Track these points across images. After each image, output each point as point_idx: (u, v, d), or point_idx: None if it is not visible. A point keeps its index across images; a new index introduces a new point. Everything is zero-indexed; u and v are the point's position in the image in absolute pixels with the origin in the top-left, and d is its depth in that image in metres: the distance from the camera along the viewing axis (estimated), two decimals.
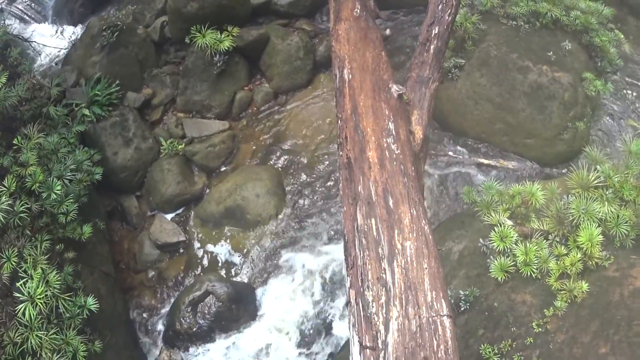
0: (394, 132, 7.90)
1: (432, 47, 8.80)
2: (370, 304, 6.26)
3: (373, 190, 7.28)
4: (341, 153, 7.97)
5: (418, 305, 6.09)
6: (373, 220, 6.93)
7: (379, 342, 5.98)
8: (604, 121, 11.83)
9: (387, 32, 9.97)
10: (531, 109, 10.93)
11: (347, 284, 6.80)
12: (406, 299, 6.14)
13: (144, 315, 10.71)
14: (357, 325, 6.29)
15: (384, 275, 6.41)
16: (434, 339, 5.84)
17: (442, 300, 6.14)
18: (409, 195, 7.17)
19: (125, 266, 11.10)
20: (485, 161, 11.13)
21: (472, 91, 11.14)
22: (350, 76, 8.67)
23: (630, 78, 12.52)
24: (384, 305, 6.22)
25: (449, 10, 8.99)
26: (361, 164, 7.61)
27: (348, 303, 6.64)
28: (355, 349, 6.17)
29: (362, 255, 6.70)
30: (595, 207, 8.40)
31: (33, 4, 14.27)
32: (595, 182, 8.78)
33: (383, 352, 5.86)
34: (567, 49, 11.36)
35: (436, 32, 8.86)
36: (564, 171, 10.94)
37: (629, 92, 12.32)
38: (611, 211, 8.40)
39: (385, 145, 7.72)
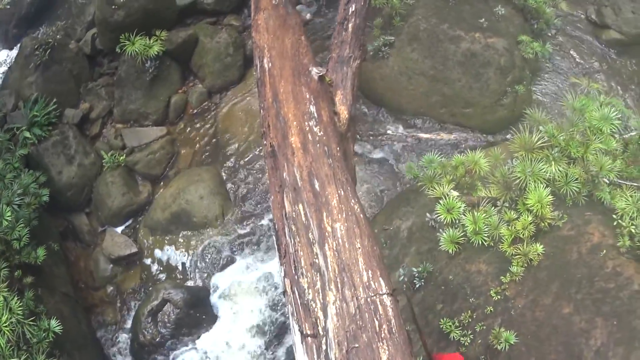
0: (315, 115, 7.75)
1: (350, 25, 8.66)
2: (307, 291, 6.15)
3: (298, 175, 7.14)
4: (265, 142, 7.82)
5: (354, 287, 5.92)
6: (300, 205, 6.80)
7: (319, 328, 5.86)
8: (545, 82, 11.78)
9: (308, 16, 9.83)
10: (467, 77, 10.84)
11: (282, 274, 6.66)
12: (342, 282, 5.99)
13: (109, 330, 10.64)
14: (295, 314, 6.16)
15: (316, 260, 6.29)
16: (375, 319, 5.66)
17: (380, 278, 5.96)
18: (335, 177, 7.00)
19: (84, 285, 10.96)
20: (425, 135, 11.05)
21: (404, 67, 11.02)
22: (270, 64, 8.51)
23: (570, 35, 12.47)
24: (319, 291, 6.10)
25: None
26: (284, 150, 7.48)
27: (284, 292, 6.50)
28: (297, 338, 6.05)
29: (293, 242, 6.58)
30: (541, 168, 8.32)
31: None
32: (539, 143, 8.68)
33: (324, 338, 5.74)
34: (500, 14, 11.28)
35: (353, 9, 8.71)
36: (507, 137, 10.80)
37: (569, 50, 12.27)
38: (559, 170, 8.33)
39: (307, 129, 7.58)
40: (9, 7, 11.15)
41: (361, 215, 6.60)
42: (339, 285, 5.96)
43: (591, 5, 12.89)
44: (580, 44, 12.37)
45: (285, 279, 6.47)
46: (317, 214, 6.60)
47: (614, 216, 7.83)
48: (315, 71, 8.19)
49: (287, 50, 8.67)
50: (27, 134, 11.09)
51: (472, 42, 10.86)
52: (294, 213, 6.79)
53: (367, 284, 5.92)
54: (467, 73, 10.82)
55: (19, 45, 13.07)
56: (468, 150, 10.01)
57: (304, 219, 6.65)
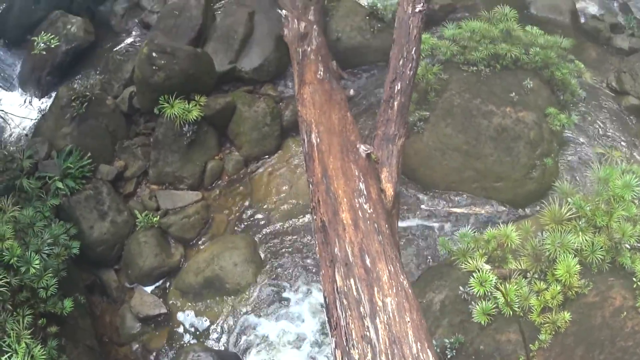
0: (365, 192, 8.32)
1: (395, 103, 9.26)
2: None
3: (350, 251, 7.63)
4: (315, 217, 8.36)
5: (404, 358, 6.40)
6: (352, 280, 7.27)
7: None
8: (571, 153, 12.31)
9: (351, 92, 10.50)
10: (498, 152, 11.33)
11: (333, 345, 7.08)
12: (392, 354, 6.46)
13: None
14: None
15: (367, 333, 6.71)
16: None
17: (428, 350, 6.50)
18: (385, 253, 7.55)
19: (108, 339, 11.15)
20: (458, 210, 11.48)
21: (438, 142, 11.51)
22: (318, 140, 9.13)
23: (593, 105, 13.09)
24: None
25: (410, 65, 9.46)
26: (335, 226, 8.00)
27: None
28: None
29: (344, 315, 7.02)
30: (570, 239, 8.86)
31: None
32: (568, 214, 9.21)
33: None
34: (529, 87, 11.85)
35: (399, 88, 9.31)
36: (536, 209, 11.32)
37: (593, 119, 12.86)
38: (586, 240, 8.85)
39: (357, 205, 8.14)
40: (44, 53, 11.46)
41: (409, 290, 7.14)
42: (390, 357, 6.45)
43: (612, 72, 13.60)
44: (603, 113, 13.00)
45: (337, 351, 6.89)
46: (369, 289, 7.11)
47: (634, 279, 8.47)
48: (363, 149, 8.81)
49: (334, 126, 9.31)
50: (60, 185, 11.36)
51: (503, 116, 11.41)
52: (345, 287, 7.26)
53: (416, 355, 6.45)
54: (499, 147, 11.32)
55: (52, 93, 13.49)
56: (500, 224, 10.32)
57: (355, 293, 7.13)
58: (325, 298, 7.54)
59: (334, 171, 8.57)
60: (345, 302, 7.12)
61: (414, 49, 9.50)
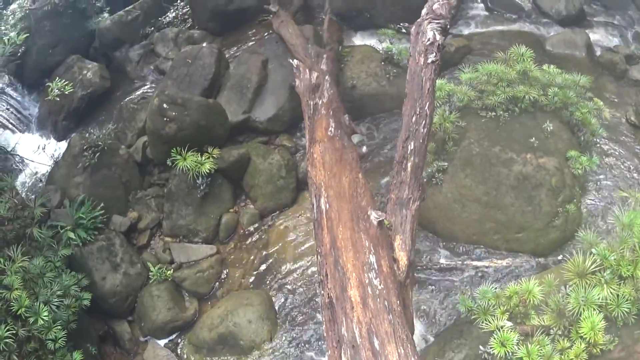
0: (375, 266, 7.35)
1: (409, 164, 8.23)
2: None
3: (357, 332, 6.73)
4: (322, 292, 7.42)
5: None
6: None
7: None
8: (593, 198, 11.21)
9: (364, 149, 9.49)
10: (520, 201, 10.34)
11: None
12: None
13: None
14: None
15: None
16: None
17: None
18: (395, 334, 6.63)
19: None
20: (479, 263, 10.45)
21: (458, 194, 10.55)
22: (327, 206, 8.17)
23: (614, 142, 12.05)
24: None
25: (424, 122, 8.42)
26: (343, 303, 7.07)
27: None
28: None
29: None
30: (594, 294, 7.98)
31: (16, 113, 13.97)
32: (592, 267, 8.29)
33: None
34: (549, 130, 10.84)
35: (412, 147, 8.29)
36: (559, 258, 10.34)
37: (615, 159, 11.80)
38: (610, 293, 7.98)
39: (367, 281, 7.18)
40: (58, 99, 10.87)
41: None
42: None
43: (630, 106, 12.57)
44: (624, 150, 11.94)
45: None
46: None
47: None
48: (374, 216, 7.84)
49: (344, 190, 8.33)
50: (71, 235, 10.74)
51: (524, 164, 10.42)
52: None
53: None
54: (520, 197, 10.33)
55: (68, 138, 12.90)
56: (521, 277, 9.52)
57: None
58: None
59: (343, 242, 7.63)
60: None
61: (427, 104, 8.50)
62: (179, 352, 10.52)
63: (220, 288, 11.12)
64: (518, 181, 10.42)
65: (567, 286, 8.42)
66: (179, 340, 10.69)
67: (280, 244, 11.35)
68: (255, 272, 11.17)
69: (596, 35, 14.42)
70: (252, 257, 11.34)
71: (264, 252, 11.35)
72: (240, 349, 10.17)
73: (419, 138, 8.37)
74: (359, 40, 13.99)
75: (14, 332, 8.38)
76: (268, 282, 10.98)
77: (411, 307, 7.77)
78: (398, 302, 7.09)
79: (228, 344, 10.23)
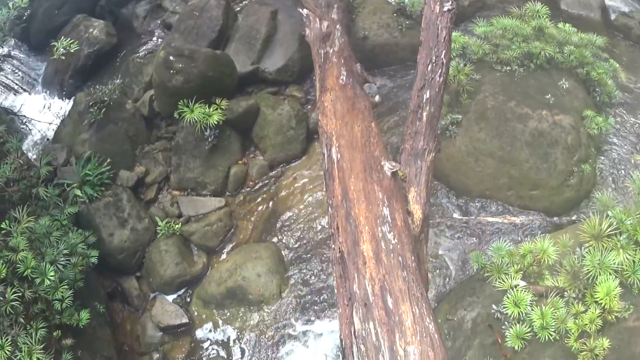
0: (389, 219, 6.71)
1: (424, 114, 7.57)
2: None
3: (370, 289, 6.13)
4: (333, 246, 6.82)
5: None
6: (371, 324, 5.81)
7: None
8: (609, 159, 10.58)
9: (377, 98, 8.79)
10: (534, 158, 9.72)
11: None
12: None
13: None
14: None
15: None
16: None
17: None
18: (409, 292, 6.02)
19: (128, 348, 9.95)
20: (492, 219, 9.86)
21: (472, 147, 9.91)
22: (338, 155, 7.51)
23: (630, 106, 11.32)
24: None
25: (440, 70, 7.73)
26: (355, 259, 6.45)
27: None
28: None
29: None
30: (610, 259, 7.44)
31: (22, 74, 13.26)
32: (608, 230, 7.72)
33: None
34: (564, 88, 10.20)
35: (428, 96, 7.61)
36: (573, 218, 9.80)
37: (631, 123, 11.08)
38: (626, 258, 7.44)
39: (380, 235, 6.54)
40: (63, 58, 10.19)
41: (436, 336, 5.67)
42: None
43: None
44: (639, 115, 11.21)
45: None
46: (390, 335, 5.65)
47: None
48: (388, 167, 7.16)
49: (356, 139, 7.64)
50: (78, 192, 10.14)
51: (539, 120, 9.78)
52: (363, 332, 5.81)
53: None
54: (535, 154, 9.71)
55: (74, 97, 12.10)
56: (536, 235, 8.97)
57: (374, 339, 5.69)
58: (341, 341, 6.29)
59: (355, 193, 6.99)
60: (363, 348, 5.74)
61: (444, 52, 7.79)
62: (187, 308, 9.98)
63: (229, 241, 10.52)
64: (533, 137, 9.80)
65: (583, 248, 7.90)
66: (188, 295, 10.15)
67: (290, 196, 10.73)
68: (264, 225, 10.58)
69: (611, 1, 13.56)
70: (261, 210, 10.74)
71: (274, 205, 10.75)
72: (249, 303, 9.68)
73: (434, 87, 7.67)
74: None
75: (20, 294, 7.88)
76: (277, 235, 10.40)
77: (425, 263, 7.15)
78: (412, 257, 6.48)
79: (237, 298, 9.73)
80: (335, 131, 7.81)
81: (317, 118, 8.23)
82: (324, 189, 10.48)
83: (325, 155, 7.67)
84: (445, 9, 8.00)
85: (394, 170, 7.15)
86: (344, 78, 8.64)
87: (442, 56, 7.75)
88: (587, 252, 7.71)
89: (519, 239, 9.59)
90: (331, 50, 9.34)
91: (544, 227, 9.75)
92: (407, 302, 5.91)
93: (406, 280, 6.16)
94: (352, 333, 5.92)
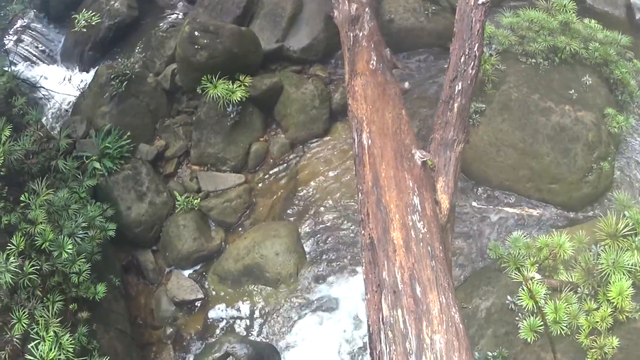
0: (419, 208, 6.66)
1: (455, 105, 7.46)
2: None
3: (399, 277, 6.09)
4: (363, 232, 6.73)
5: None
6: (400, 311, 5.78)
7: None
8: (628, 158, 10.59)
9: (406, 85, 8.67)
10: (555, 152, 9.67)
11: None
12: None
13: None
14: None
15: None
16: None
17: None
18: (437, 281, 6.00)
19: (142, 322, 9.94)
20: (510, 210, 9.85)
21: (494, 137, 9.85)
22: (369, 141, 7.42)
23: None
24: None
25: (472, 63, 7.60)
26: (385, 246, 6.41)
27: None
28: None
29: (388, 350, 5.63)
30: (625, 259, 7.41)
31: (41, 45, 13.00)
32: (624, 230, 7.72)
33: None
34: (587, 84, 10.11)
35: (459, 88, 7.48)
36: (589, 214, 9.83)
37: None
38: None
39: (410, 224, 6.49)
40: (84, 30, 10.03)
41: (460, 326, 5.68)
42: None
43: None
44: None
45: None
46: (417, 323, 5.64)
47: None
48: (419, 155, 7.11)
49: (387, 126, 7.56)
50: (97, 165, 10.04)
51: (562, 115, 9.70)
52: (391, 318, 5.78)
53: None
54: (556, 148, 9.66)
55: (94, 69, 12.07)
56: (552, 229, 9.06)
57: (402, 326, 5.67)
58: (369, 327, 6.09)
59: (386, 181, 6.92)
60: (390, 335, 5.72)
61: (477, 45, 7.68)
62: (203, 283, 9.97)
63: (247, 218, 10.46)
64: (555, 132, 9.72)
65: (598, 245, 7.89)
66: (204, 271, 10.12)
67: (310, 176, 10.65)
68: (283, 203, 10.50)
69: None
70: (281, 187, 10.67)
71: (294, 183, 10.67)
72: (265, 281, 9.66)
73: (467, 79, 7.57)
74: None
75: (38, 267, 7.83)
76: (297, 213, 10.34)
77: (450, 254, 7.15)
78: (440, 247, 6.45)
79: (253, 275, 9.70)
80: (366, 117, 7.71)
81: (347, 102, 8.11)
82: (344, 169, 10.53)
83: (356, 141, 7.57)
84: (480, 2, 7.84)
85: (425, 159, 7.08)
86: (374, 63, 8.52)
87: (475, 49, 7.63)
88: (602, 251, 7.69)
89: (536, 231, 9.56)
90: (360, 34, 9.19)
91: (560, 221, 9.76)
92: (434, 291, 5.88)
93: (434, 269, 6.13)
94: (380, 319, 5.87)
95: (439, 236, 6.59)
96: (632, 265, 7.40)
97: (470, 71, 7.63)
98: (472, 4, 7.88)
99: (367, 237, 6.64)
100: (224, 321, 9.63)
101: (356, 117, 7.87)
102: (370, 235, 6.59)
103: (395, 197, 6.73)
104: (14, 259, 7.60)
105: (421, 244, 6.35)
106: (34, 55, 12.83)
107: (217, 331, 9.58)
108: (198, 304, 9.81)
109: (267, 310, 9.51)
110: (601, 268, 7.46)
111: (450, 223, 7.23)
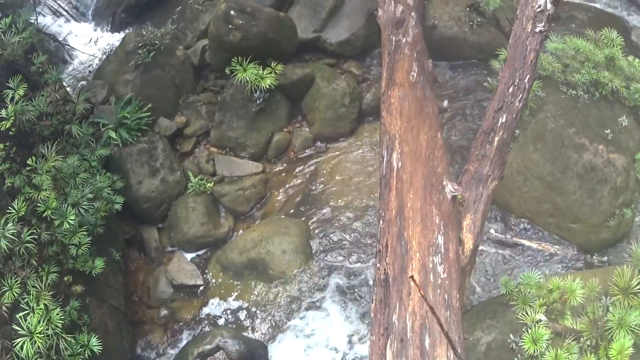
0: (442, 249, 5.88)
1: (496, 138, 6.64)
2: None
3: (409, 324, 5.41)
4: (378, 265, 6.00)
5: None
6: None
7: None
8: None
9: (445, 103, 7.76)
10: (582, 191, 8.83)
11: None
12: None
13: (151, 354, 8.81)
14: None
15: None
16: None
17: None
18: (448, 334, 5.31)
19: (138, 299, 9.24)
20: (527, 242, 9.03)
21: (523, 166, 8.99)
22: (399, 163, 6.60)
23: None
24: None
25: (521, 95, 6.78)
26: (400, 286, 5.67)
27: None
28: None
29: None
30: (632, 318, 6.76)
31: (73, 1, 11.86)
32: (637, 287, 6.99)
33: None
34: (623, 125, 9.21)
35: (503, 120, 6.67)
36: (604, 259, 9.01)
37: None
38: None
39: (430, 266, 5.74)
40: None
41: None
42: None
43: None
44: None
45: None
46: None
47: None
48: (450, 189, 6.30)
49: (421, 149, 6.71)
50: (113, 134, 9.23)
51: (594, 154, 8.84)
52: None
53: None
54: (583, 187, 8.82)
55: (123, 33, 11.11)
56: (565, 268, 8.55)
57: None
58: None
59: (412, 212, 6.15)
60: None
61: (528, 76, 6.84)
62: (204, 269, 9.22)
63: (259, 210, 9.64)
64: (585, 170, 8.87)
65: (609, 297, 7.20)
66: (207, 257, 9.35)
67: (329, 175, 9.77)
68: (298, 200, 9.65)
69: None
70: (298, 183, 9.79)
71: (312, 180, 9.80)
72: (268, 278, 8.93)
73: (512, 112, 6.72)
74: None
75: (37, 235, 7.14)
76: (310, 213, 9.49)
77: (464, 298, 6.37)
78: (458, 296, 5.74)
79: (257, 270, 8.97)
80: (399, 135, 6.85)
81: (381, 113, 7.18)
82: (365, 175, 9.59)
83: (385, 159, 6.73)
84: (537, 29, 6.98)
85: (455, 193, 6.28)
86: (415, 75, 7.60)
87: (526, 80, 6.77)
88: (612, 304, 7.06)
89: (548, 268, 8.81)
90: (404, 40, 8.23)
91: (574, 262, 8.95)
92: (444, 345, 5.26)
93: (448, 321, 5.45)
94: None
95: (458, 283, 5.86)
96: (637, 325, 6.72)
97: (517, 104, 6.78)
98: (529, 30, 7.00)
99: (382, 271, 5.89)
100: (220, 312, 8.90)
101: (388, 132, 6.99)
102: (385, 271, 5.84)
103: (418, 233, 5.96)
104: (12, 224, 6.91)
105: (439, 290, 5.61)
106: (65, 10, 11.74)
107: (212, 320, 8.86)
108: (196, 290, 9.09)
109: (264, 307, 8.78)
110: (608, 324, 6.82)
111: (471, 265, 6.47)
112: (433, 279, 5.61)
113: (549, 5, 7.13)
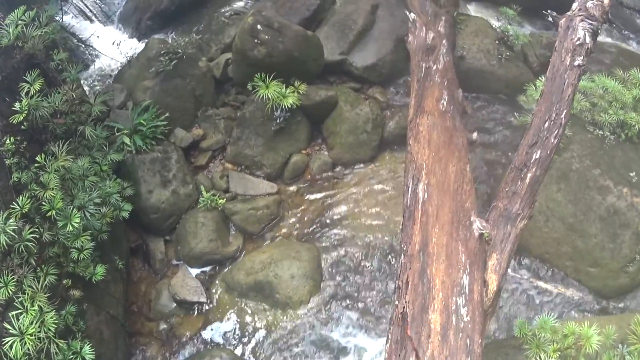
0: (467, 290, 5.21)
1: (529, 175, 6.02)
2: None
3: None
4: (397, 302, 5.30)
5: None
6: None
7: None
8: None
9: (474, 135, 7.08)
10: (603, 235, 8.14)
11: None
12: None
13: None
14: None
15: None
16: None
17: None
18: None
19: (137, 310, 8.59)
20: (544, 285, 8.34)
21: (545, 206, 8.30)
22: (425, 195, 5.94)
23: None
24: None
25: (557, 131, 6.18)
26: (419, 328, 4.97)
27: None
28: None
29: None
30: None
31: (100, 3, 11.48)
32: None
33: None
34: None
35: (537, 157, 6.06)
36: (621, 305, 8.28)
37: None
38: None
39: (453, 307, 5.06)
40: None
41: None
42: None
43: None
44: None
45: None
46: None
47: None
48: (477, 226, 5.64)
49: (449, 182, 6.05)
50: (127, 140, 8.67)
51: (618, 197, 8.16)
52: None
53: None
54: (605, 230, 8.13)
55: (147, 40, 10.52)
56: (581, 313, 7.95)
57: None
58: None
59: (437, 248, 5.49)
60: None
61: (565, 112, 6.25)
62: (208, 287, 8.54)
63: (270, 231, 8.94)
64: (608, 213, 8.18)
65: (625, 345, 6.61)
66: (212, 274, 8.67)
67: (346, 201, 9.07)
68: (312, 225, 8.95)
69: None
70: (312, 208, 9.11)
71: (327, 206, 9.11)
72: (273, 302, 8.22)
73: (547, 148, 6.10)
74: (472, 10, 11.26)
75: (39, 234, 6.61)
76: (323, 239, 8.78)
77: (484, 340, 5.69)
78: (480, 341, 5.05)
79: (263, 293, 8.28)
80: (427, 165, 6.22)
81: (408, 141, 6.57)
82: (383, 205, 8.89)
83: (410, 190, 6.08)
84: (576, 63, 6.41)
85: (483, 231, 5.64)
86: (445, 103, 7.00)
87: (562, 115, 6.17)
88: (628, 353, 6.48)
89: (564, 310, 8.16)
90: (434, 67, 7.65)
91: (590, 307, 8.23)
92: None
93: None
94: None
95: (481, 327, 5.16)
96: None
97: (553, 140, 6.16)
98: (568, 64, 6.42)
99: (400, 309, 5.20)
100: (220, 332, 8.20)
101: (415, 162, 6.36)
102: (404, 310, 5.15)
103: (442, 271, 5.29)
104: (15, 220, 6.40)
105: (460, 334, 4.93)
106: (91, 11, 11.30)
107: (211, 341, 8.14)
108: (199, 307, 8.40)
109: (267, 332, 8.07)
110: None
111: (493, 308, 5.76)
112: (455, 322, 4.94)
113: (588, 39, 6.61)
